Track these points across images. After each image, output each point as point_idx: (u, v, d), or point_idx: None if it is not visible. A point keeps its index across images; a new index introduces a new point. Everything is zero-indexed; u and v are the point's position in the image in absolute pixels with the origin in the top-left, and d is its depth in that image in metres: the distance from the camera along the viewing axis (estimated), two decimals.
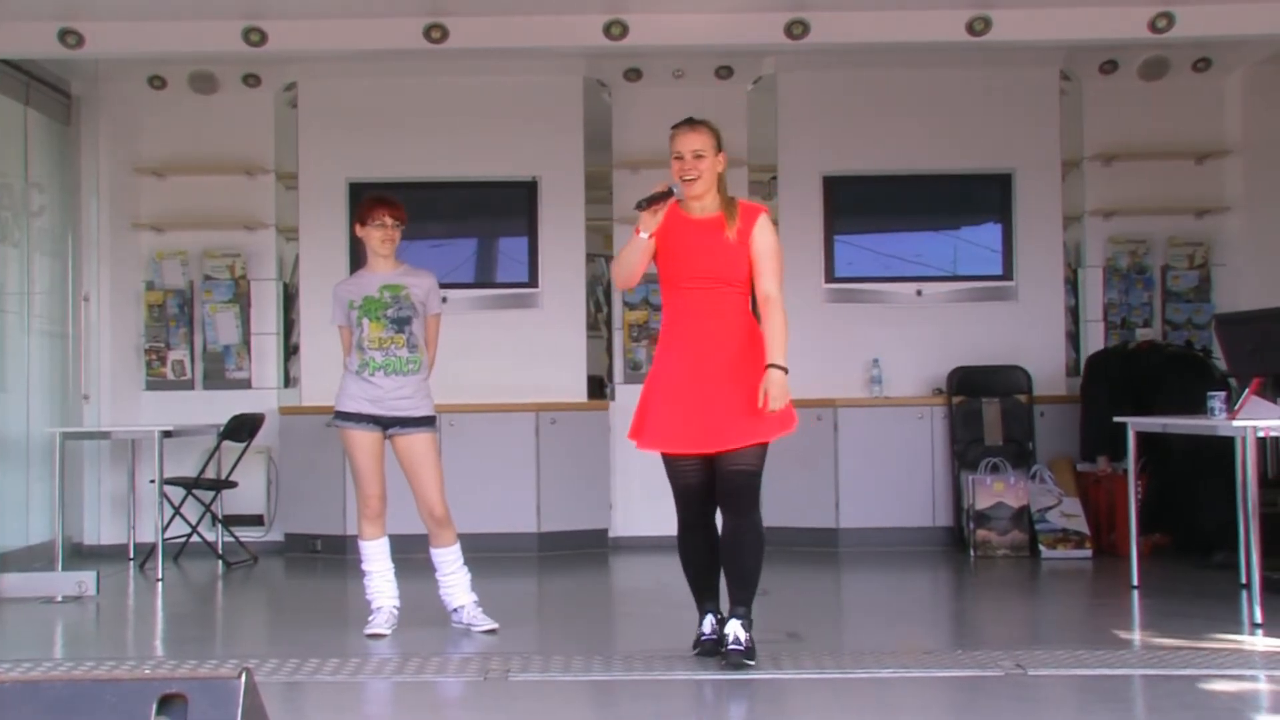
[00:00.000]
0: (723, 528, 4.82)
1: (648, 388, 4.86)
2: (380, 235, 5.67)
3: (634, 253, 4.75)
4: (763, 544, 4.79)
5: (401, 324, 5.62)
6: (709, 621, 4.89)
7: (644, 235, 4.70)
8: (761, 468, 4.73)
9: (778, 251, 4.81)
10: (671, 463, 4.80)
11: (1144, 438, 6.59)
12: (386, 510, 5.66)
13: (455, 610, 5.69)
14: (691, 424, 4.67)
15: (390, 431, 5.61)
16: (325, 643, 5.43)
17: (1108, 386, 7.96)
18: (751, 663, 4.70)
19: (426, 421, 5.64)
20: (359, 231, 5.75)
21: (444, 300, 5.88)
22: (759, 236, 4.75)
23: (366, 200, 5.82)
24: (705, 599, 4.93)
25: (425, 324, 5.71)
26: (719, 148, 4.82)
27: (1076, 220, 8.81)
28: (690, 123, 4.84)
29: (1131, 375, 7.93)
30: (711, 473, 4.74)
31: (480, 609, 5.68)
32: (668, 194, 4.69)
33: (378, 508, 5.62)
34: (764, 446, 4.70)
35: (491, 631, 5.58)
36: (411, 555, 6.02)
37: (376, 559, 5.64)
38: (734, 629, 4.72)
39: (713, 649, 4.81)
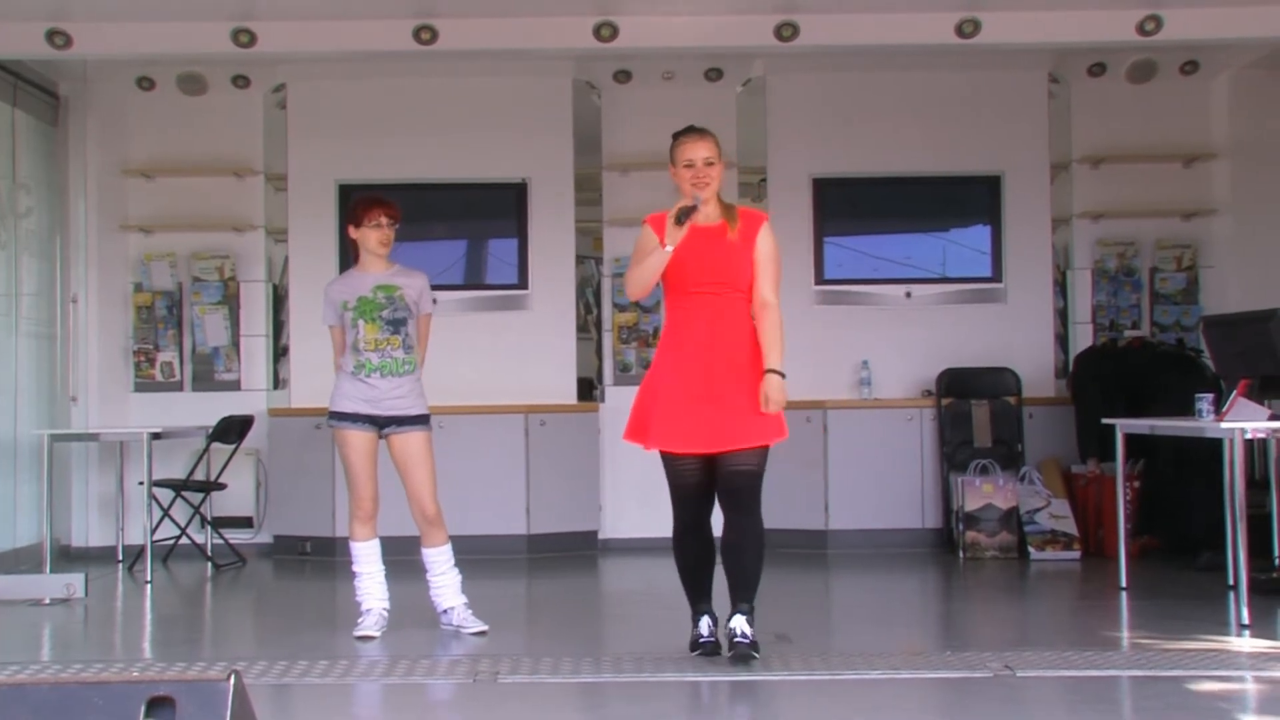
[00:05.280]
0: (724, 528, 4.87)
1: (648, 389, 4.89)
2: (378, 236, 5.63)
3: (655, 266, 4.79)
4: (764, 544, 4.88)
5: (397, 325, 5.61)
6: (705, 623, 4.93)
7: (669, 249, 4.73)
8: (763, 469, 4.82)
9: (778, 259, 4.94)
10: (674, 462, 4.84)
11: (1133, 439, 6.61)
12: (378, 512, 5.65)
13: (445, 612, 5.69)
14: (698, 425, 4.75)
15: (386, 430, 5.61)
16: (314, 645, 5.42)
17: (1099, 385, 7.97)
18: (757, 655, 4.76)
19: (422, 420, 5.64)
20: (353, 233, 5.68)
21: (434, 302, 5.87)
22: (763, 243, 4.87)
23: (361, 201, 5.72)
24: (700, 600, 4.96)
25: (417, 323, 5.71)
26: (720, 155, 4.91)
27: (1065, 222, 8.83)
28: (697, 130, 4.92)
29: (1122, 373, 7.94)
30: (711, 475, 4.82)
31: (470, 611, 5.67)
32: (694, 208, 4.76)
33: (370, 509, 5.61)
34: (766, 449, 4.80)
35: (481, 633, 5.58)
36: (402, 557, 6.01)
37: (367, 560, 5.63)
38: (739, 624, 4.80)
39: (714, 649, 4.86)
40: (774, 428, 4.80)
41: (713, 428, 4.74)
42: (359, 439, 5.59)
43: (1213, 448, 6.12)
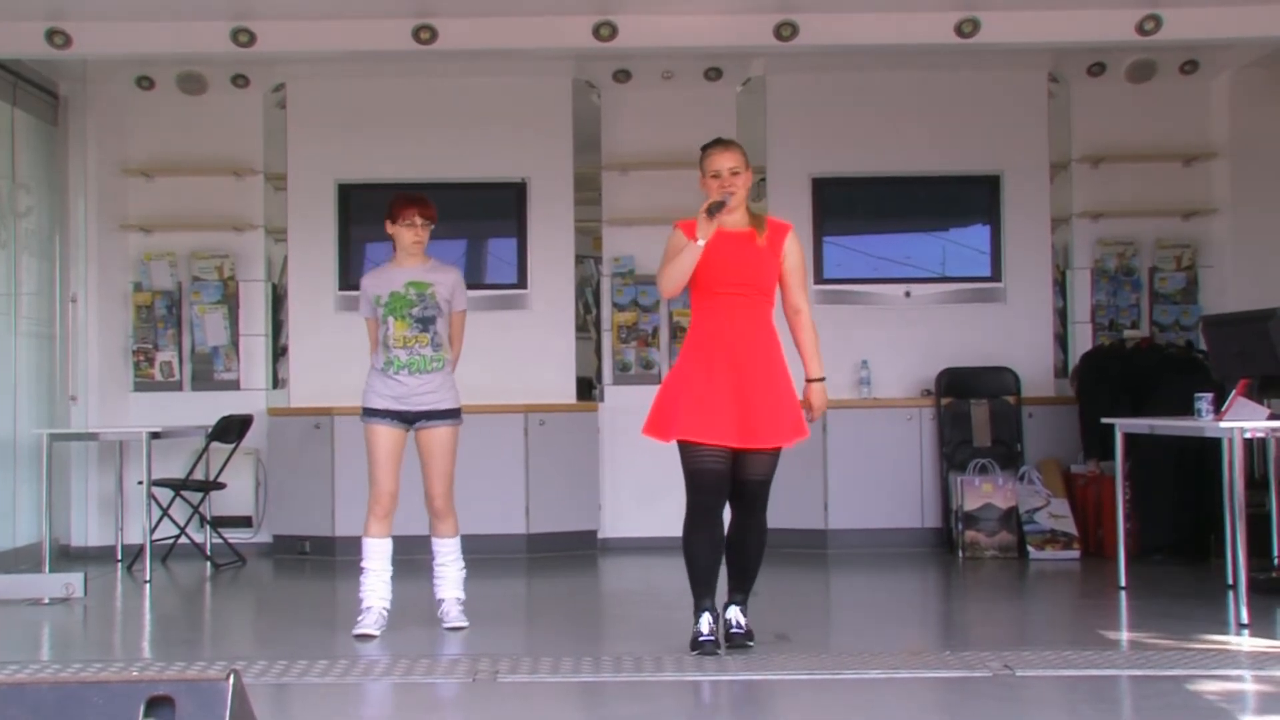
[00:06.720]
0: (732, 525, 5.14)
1: (674, 385, 5.08)
2: (411, 236, 5.69)
3: (689, 262, 4.98)
4: (765, 541, 5.17)
5: (426, 323, 5.65)
6: (706, 621, 5.01)
7: (702, 242, 4.95)
8: (774, 474, 5.09)
9: (805, 266, 5.23)
10: (699, 450, 4.96)
11: (1132, 439, 6.60)
12: (395, 510, 5.66)
13: (440, 601, 5.74)
14: (727, 418, 4.94)
15: (416, 425, 5.67)
16: (314, 644, 5.43)
17: (1108, 386, 7.93)
18: (752, 644, 5.07)
19: (451, 414, 5.70)
20: (389, 229, 5.74)
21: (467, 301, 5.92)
22: (790, 251, 5.13)
23: (399, 198, 5.77)
24: (704, 595, 5.05)
25: (450, 320, 5.75)
26: (747, 165, 5.14)
27: (1064, 222, 8.83)
28: (723, 142, 5.18)
29: (1128, 374, 7.91)
30: (730, 464, 4.99)
31: (461, 608, 5.71)
32: (723, 203, 4.98)
33: (388, 506, 5.63)
34: (779, 456, 5.06)
35: (457, 629, 5.61)
36: (405, 557, 6.01)
37: (377, 558, 5.64)
38: (734, 614, 5.12)
39: (713, 649, 4.96)
40: (797, 426, 5.04)
41: (741, 422, 4.94)
42: (386, 435, 5.63)
43: (1194, 451, 6.09)
